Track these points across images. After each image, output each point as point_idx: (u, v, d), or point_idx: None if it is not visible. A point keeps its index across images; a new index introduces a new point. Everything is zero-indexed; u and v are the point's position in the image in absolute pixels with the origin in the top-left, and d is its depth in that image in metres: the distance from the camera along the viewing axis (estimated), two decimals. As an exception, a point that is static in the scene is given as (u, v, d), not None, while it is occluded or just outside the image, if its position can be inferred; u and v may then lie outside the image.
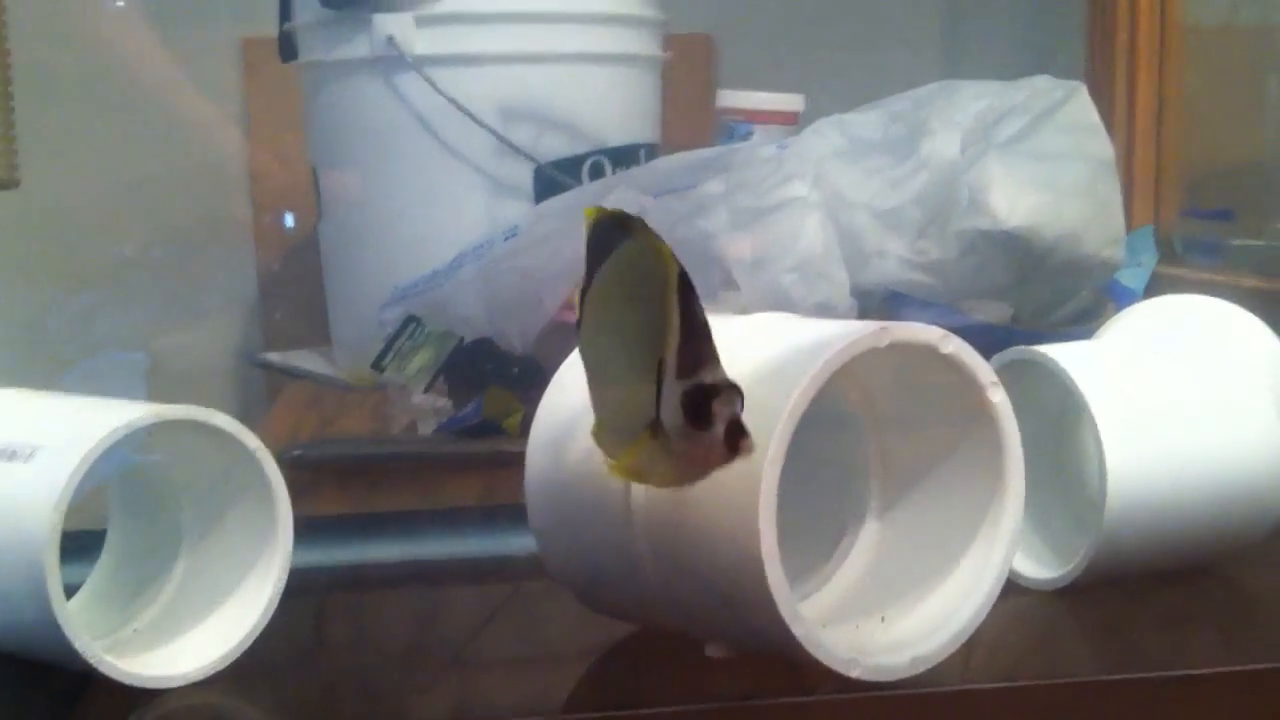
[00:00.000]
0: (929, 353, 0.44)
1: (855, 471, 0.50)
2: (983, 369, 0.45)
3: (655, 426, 0.40)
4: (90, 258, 1.12)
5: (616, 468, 0.42)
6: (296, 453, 0.74)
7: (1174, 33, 1.01)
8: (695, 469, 0.40)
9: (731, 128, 1.02)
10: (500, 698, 0.48)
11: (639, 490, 0.45)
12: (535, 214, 0.89)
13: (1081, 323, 0.79)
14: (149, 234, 1.14)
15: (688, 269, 0.40)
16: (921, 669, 0.44)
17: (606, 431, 0.43)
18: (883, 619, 0.46)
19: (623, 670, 0.48)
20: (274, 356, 1.08)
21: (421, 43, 0.92)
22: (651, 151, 0.99)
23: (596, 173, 0.95)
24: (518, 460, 0.49)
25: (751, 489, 0.41)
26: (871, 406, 0.49)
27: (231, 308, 1.20)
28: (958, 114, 0.80)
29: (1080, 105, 0.80)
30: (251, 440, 0.48)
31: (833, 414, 0.49)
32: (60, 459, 0.45)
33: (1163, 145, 1.01)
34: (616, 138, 0.97)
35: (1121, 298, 0.80)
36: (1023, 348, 0.53)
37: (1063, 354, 0.52)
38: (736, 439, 0.39)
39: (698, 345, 0.39)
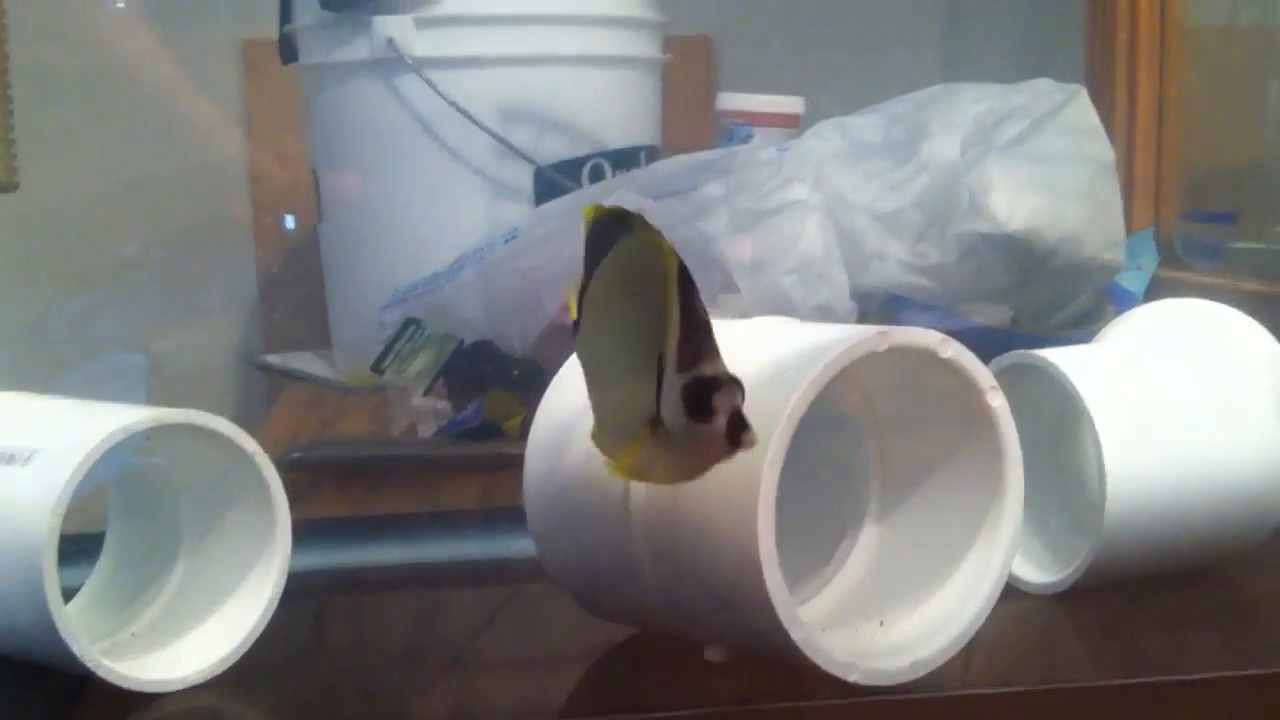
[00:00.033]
0: (928, 357, 0.44)
1: (855, 475, 0.49)
2: (982, 373, 0.45)
3: (655, 423, 0.40)
4: (90, 259, 1.12)
5: (616, 467, 0.42)
6: (296, 455, 0.74)
7: (1174, 34, 1.00)
8: (697, 464, 0.40)
9: (731, 130, 1.02)
10: (499, 700, 0.48)
11: (638, 492, 0.45)
12: (535, 216, 0.89)
13: (1082, 326, 0.79)
14: (149, 235, 1.14)
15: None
16: (921, 673, 0.44)
17: (606, 433, 0.43)
18: (881, 623, 0.46)
19: (621, 673, 0.48)
20: (273, 358, 1.08)
21: (421, 45, 0.92)
22: (652, 154, 0.99)
23: (596, 175, 0.95)
24: (517, 463, 0.49)
25: (750, 491, 0.41)
26: (871, 410, 0.49)
27: (231, 309, 1.20)
28: (958, 117, 0.80)
29: (1080, 108, 0.80)
30: (250, 444, 0.48)
31: (832, 417, 0.49)
32: (58, 462, 0.45)
33: (1163, 147, 1.00)
34: (616, 140, 0.97)
35: (1122, 301, 0.80)
36: (1022, 351, 0.53)
37: (1062, 358, 0.52)
38: (738, 432, 0.39)
39: (698, 339, 0.39)
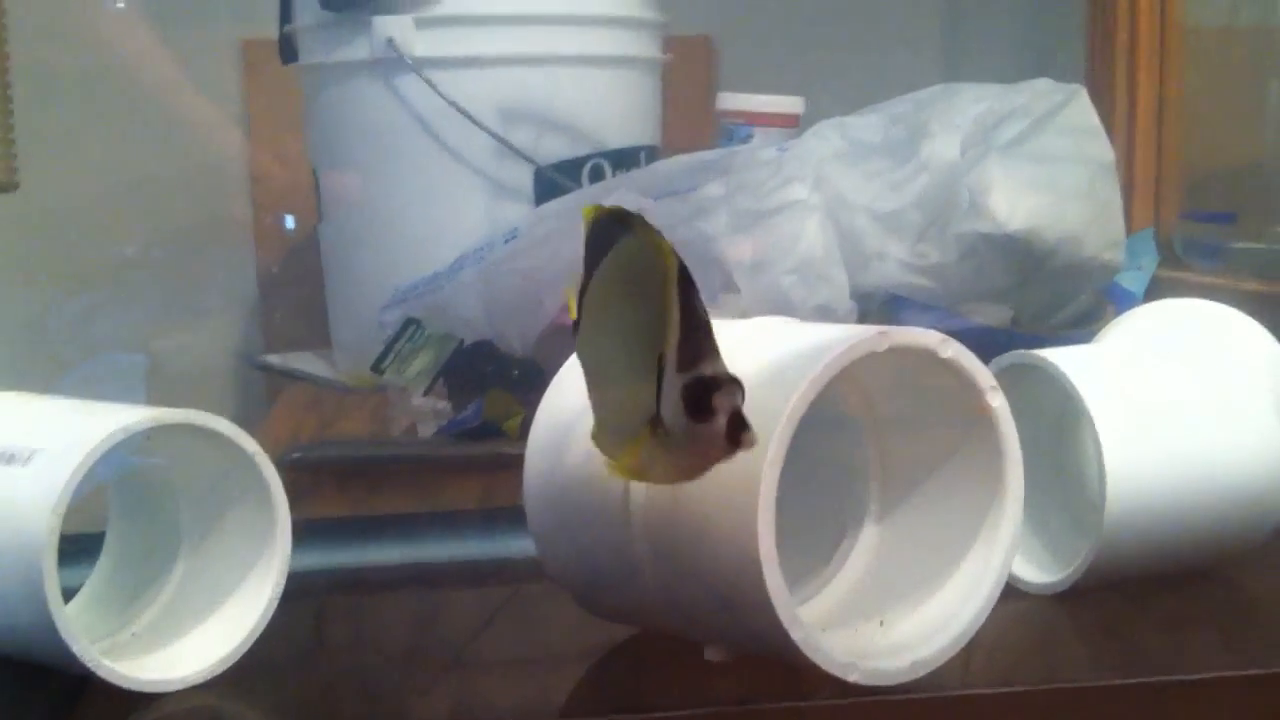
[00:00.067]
0: (928, 357, 0.44)
1: (855, 474, 0.49)
2: (982, 373, 0.45)
3: (655, 422, 0.40)
4: (90, 259, 1.12)
5: (616, 467, 0.42)
6: (296, 455, 0.74)
7: (1174, 34, 1.00)
8: (697, 464, 0.40)
9: (731, 130, 1.02)
10: (499, 701, 0.48)
11: (638, 492, 0.45)
12: (535, 216, 0.89)
13: (1082, 326, 0.79)
14: (149, 235, 1.14)
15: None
16: (921, 673, 0.44)
17: (606, 433, 0.43)
18: (881, 623, 0.46)
19: (622, 673, 0.48)
20: (273, 358, 1.08)
21: (421, 45, 0.92)
22: (652, 154, 0.99)
23: (596, 175, 0.95)
24: (517, 463, 0.49)
25: (751, 492, 0.41)
26: (871, 409, 0.49)
27: (231, 309, 1.20)
28: (958, 117, 0.80)
29: (1080, 108, 0.80)
30: (250, 444, 0.48)
31: (832, 417, 0.48)
32: (58, 463, 0.45)
33: (1163, 147, 1.00)
34: (616, 140, 0.97)
35: (1122, 301, 0.80)
36: (1022, 352, 0.53)
37: (1062, 358, 0.52)
38: (738, 431, 0.39)
39: (698, 338, 0.39)
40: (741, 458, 0.40)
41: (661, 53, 1.01)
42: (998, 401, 0.45)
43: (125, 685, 0.45)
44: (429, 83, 0.92)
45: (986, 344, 0.49)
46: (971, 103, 0.81)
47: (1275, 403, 0.55)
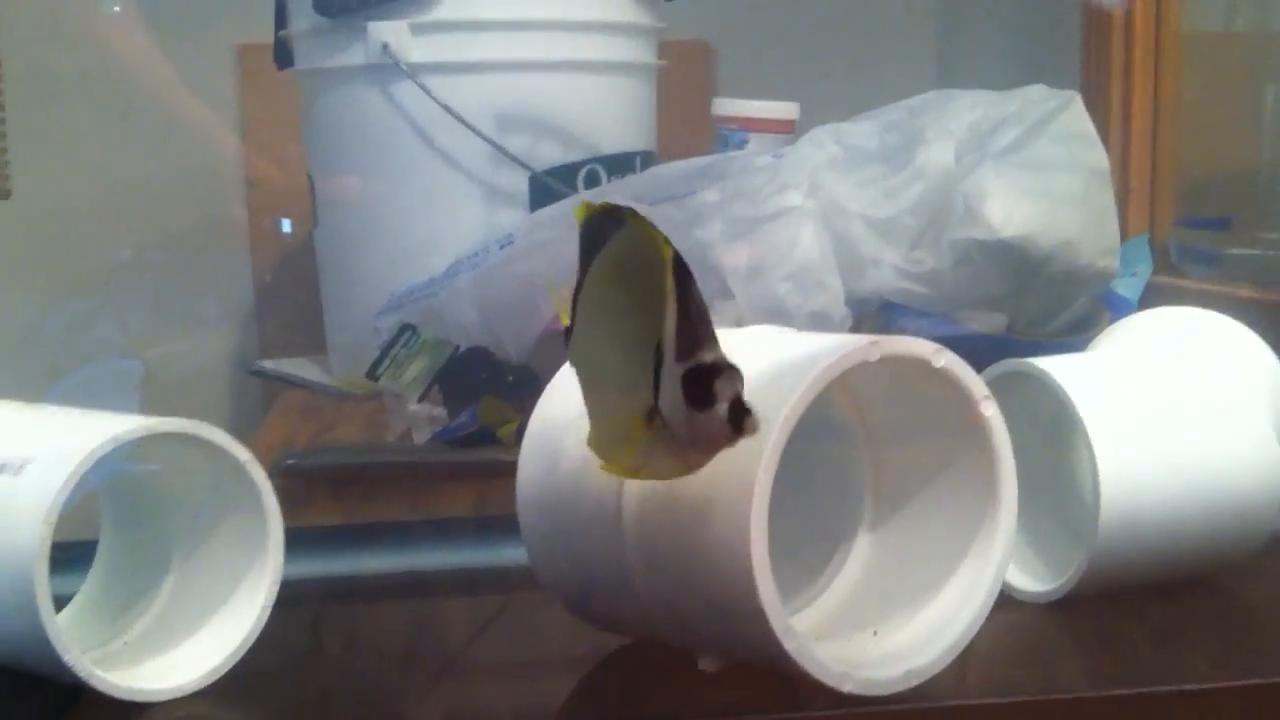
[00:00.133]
0: (921, 366, 0.44)
1: (849, 484, 0.49)
2: (975, 383, 0.45)
3: (653, 415, 0.39)
4: (85, 265, 1.12)
5: (612, 466, 0.41)
6: (290, 462, 0.74)
7: (1169, 40, 1.01)
8: (697, 454, 0.40)
9: (726, 135, 1.02)
10: (492, 710, 0.48)
11: (630, 501, 0.44)
12: (531, 222, 0.89)
13: (1077, 332, 0.79)
14: (144, 240, 1.14)
15: None
16: (915, 683, 0.44)
17: (602, 435, 0.42)
18: (875, 632, 0.46)
19: (615, 683, 0.48)
20: (269, 364, 1.07)
21: (417, 50, 0.92)
22: (647, 159, 0.99)
23: (592, 181, 0.95)
24: (512, 470, 0.49)
25: (744, 500, 0.41)
26: (865, 418, 0.49)
27: (227, 315, 1.19)
28: (953, 123, 0.80)
29: (1075, 115, 0.80)
30: (243, 453, 0.48)
31: (826, 426, 0.48)
32: (50, 472, 0.45)
33: (1158, 153, 1.00)
34: (612, 145, 0.97)
35: (1117, 307, 0.80)
36: (1016, 360, 0.53)
37: (1056, 366, 0.52)
38: (740, 417, 0.38)
39: (696, 327, 0.39)
40: (736, 466, 0.40)
41: (657, 58, 1.01)
42: (991, 411, 0.45)
43: (117, 695, 0.45)
44: (424, 88, 0.92)
45: (981, 351, 0.49)
46: (966, 109, 0.81)
47: (1269, 410, 0.55)
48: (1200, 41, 1.03)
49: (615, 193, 0.86)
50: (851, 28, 1.21)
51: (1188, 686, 0.46)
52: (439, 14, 0.93)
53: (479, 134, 0.92)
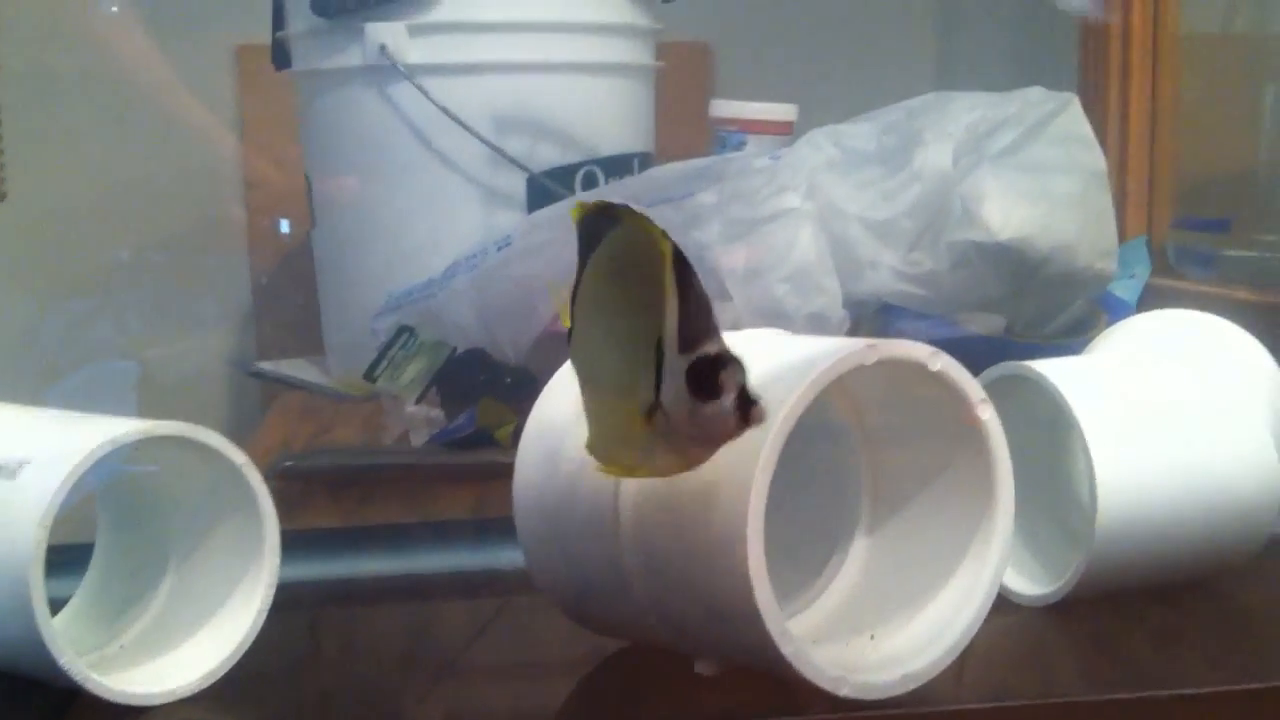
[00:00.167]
0: (918, 369, 0.44)
1: (846, 486, 0.49)
2: (972, 386, 0.45)
3: (653, 410, 0.39)
4: (83, 266, 1.12)
5: (611, 467, 0.41)
6: (288, 464, 0.74)
7: (1167, 42, 1.00)
8: (701, 448, 0.40)
9: (724, 137, 1.02)
10: (490, 713, 0.48)
11: (627, 503, 0.44)
12: (528, 223, 0.89)
13: (1075, 334, 0.79)
14: (143, 241, 1.14)
15: None
16: (911, 686, 0.44)
17: (601, 437, 0.42)
18: (872, 636, 0.46)
19: (612, 686, 0.48)
20: (267, 366, 1.07)
21: (414, 52, 0.92)
22: (645, 161, 0.99)
23: (590, 182, 0.95)
24: (510, 472, 0.49)
25: (740, 503, 0.41)
26: (862, 421, 0.49)
27: (225, 316, 1.19)
28: (950, 125, 0.80)
29: (1073, 117, 0.80)
30: (239, 456, 0.48)
31: (823, 429, 0.48)
32: (46, 475, 0.45)
33: (1156, 155, 1.00)
34: (610, 147, 0.96)
35: (1115, 309, 0.80)
36: (1013, 363, 0.53)
37: (1053, 369, 0.52)
38: (748, 407, 0.38)
39: (699, 319, 0.39)
40: (733, 468, 0.40)
41: (655, 60, 1.01)
42: (988, 414, 0.45)
43: (113, 699, 0.45)
44: (422, 90, 0.92)
45: (979, 353, 0.49)
46: (964, 111, 0.81)
47: (1267, 413, 0.55)
48: (1198, 43, 1.03)
49: (613, 194, 0.86)
50: (850, 29, 1.21)
51: (1186, 690, 0.46)
52: (437, 15, 0.92)
53: (477, 135, 0.92)
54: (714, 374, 0.38)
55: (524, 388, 0.79)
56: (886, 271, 0.78)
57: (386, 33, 0.92)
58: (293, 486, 0.72)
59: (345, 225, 0.99)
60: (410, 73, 0.92)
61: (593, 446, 0.43)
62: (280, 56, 1.01)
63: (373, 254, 0.97)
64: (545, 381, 0.50)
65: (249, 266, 1.20)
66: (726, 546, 0.41)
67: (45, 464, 0.45)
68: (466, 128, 0.92)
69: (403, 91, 0.93)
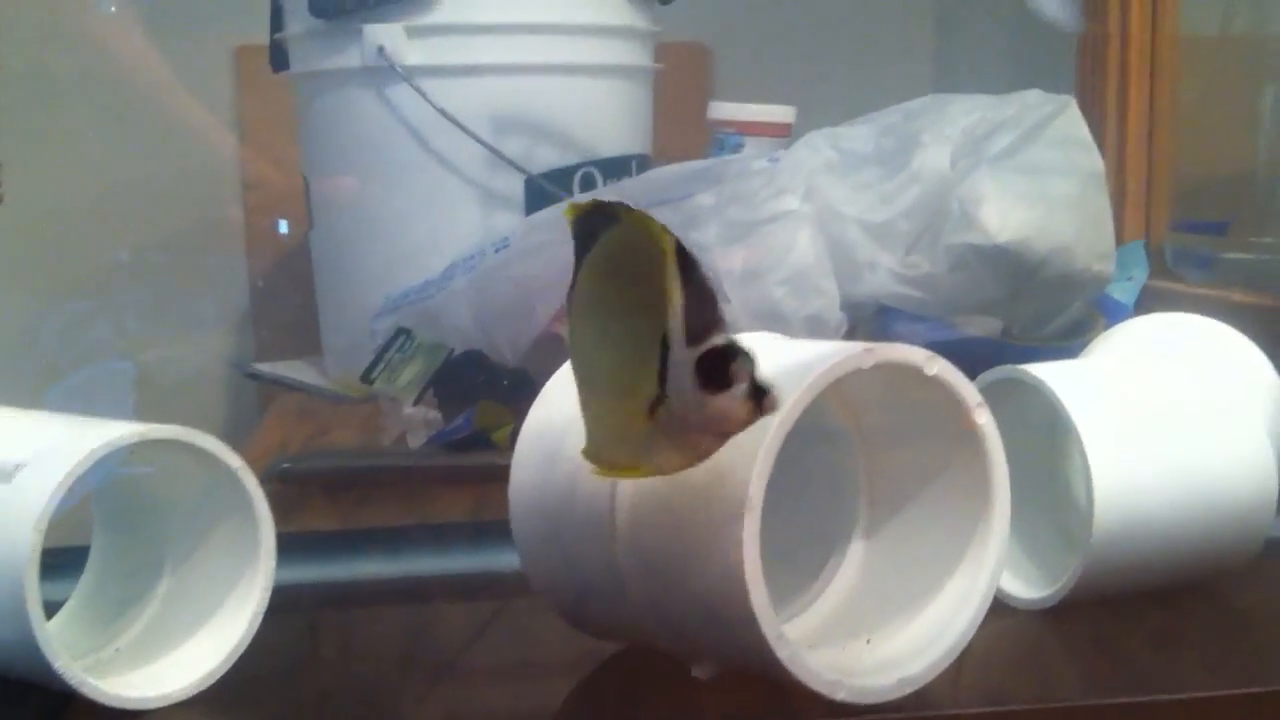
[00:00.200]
0: (914, 373, 0.44)
1: (843, 490, 0.49)
2: (968, 390, 0.45)
3: (657, 405, 0.39)
4: (82, 266, 1.11)
5: (610, 469, 0.41)
6: (284, 466, 0.74)
7: (1166, 44, 1.00)
8: (709, 441, 0.39)
9: (723, 139, 1.02)
10: (486, 717, 0.48)
11: (624, 505, 0.44)
12: (526, 225, 0.89)
13: (1073, 337, 0.78)
14: (141, 242, 1.14)
15: None
16: (908, 690, 0.44)
17: (599, 442, 0.42)
18: (869, 640, 0.46)
19: (608, 690, 0.48)
20: (264, 367, 1.07)
21: (413, 53, 0.92)
22: (643, 162, 0.99)
23: (587, 184, 0.95)
24: (507, 474, 0.49)
25: (737, 507, 0.41)
26: (859, 424, 0.49)
27: (223, 317, 1.19)
28: (948, 128, 0.80)
29: (1071, 119, 0.80)
30: (234, 460, 0.48)
31: (820, 432, 0.48)
32: (42, 478, 0.45)
33: (1154, 158, 1.00)
34: (608, 149, 0.96)
35: (1113, 312, 0.80)
36: (1010, 367, 0.53)
37: (1050, 373, 0.52)
38: (761, 395, 0.38)
39: (706, 311, 0.39)
40: (730, 472, 0.40)
41: (654, 61, 1.01)
42: (984, 418, 0.45)
43: (108, 703, 0.45)
44: (420, 91, 0.92)
45: (977, 355, 0.49)
46: (962, 114, 0.81)
47: (1264, 416, 0.55)
48: (1196, 46, 1.03)
49: (610, 196, 0.85)
50: (848, 31, 1.21)
51: (1184, 694, 0.46)
52: (435, 17, 0.92)
53: (475, 137, 0.92)
54: (724, 364, 0.38)
55: (522, 389, 0.79)
56: (884, 274, 0.78)
57: (385, 34, 0.92)
58: (290, 488, 0.72)
59: (343, 226, 0.99)
60: (408, 74, 0.92)
61: (589, 452, 0.42)
62: (279, 58, 1.00)
63: (371, 255, 0.97)
64: (543, 383, 0.50)
65: (247, 267, 1.20)
66: (723, 550, 0.41)
67: (41, 468, 0.45)
68: (464, 129, 0.92)
69: (401, 93, 0.93)
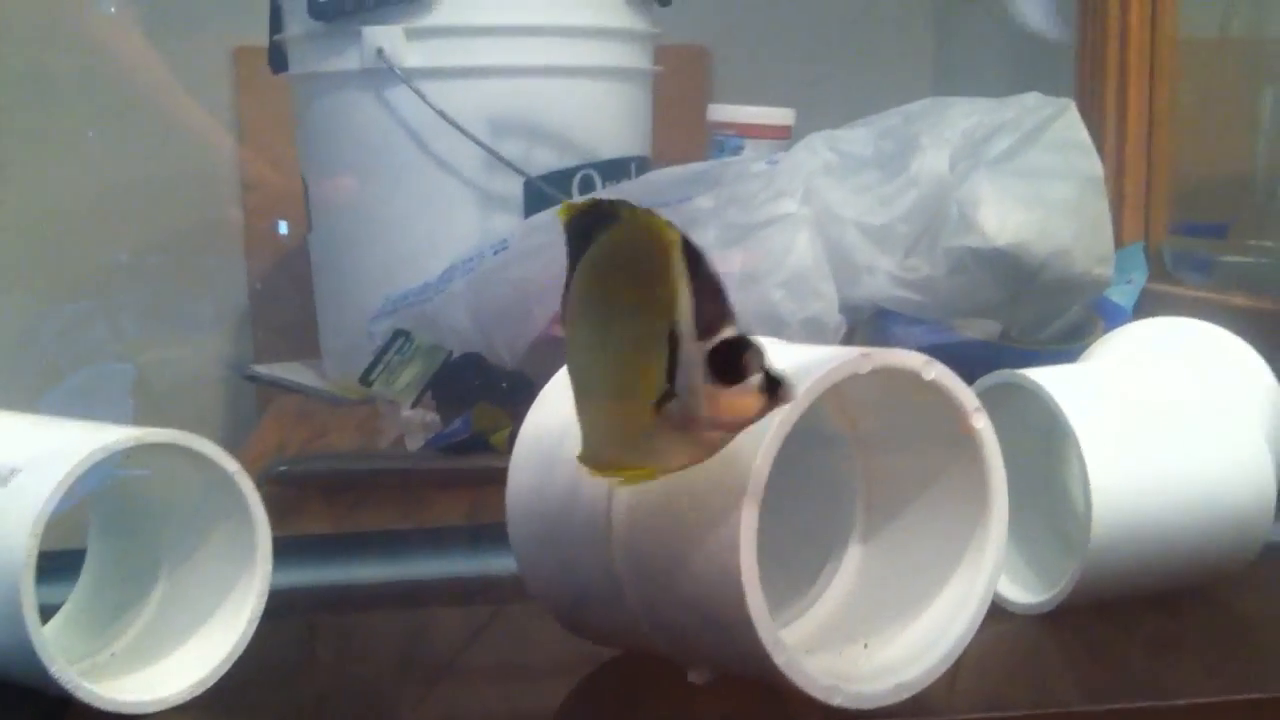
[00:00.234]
0: (912, 378, 0.44)
1: (840, 494, 0.49)
2: (966, 395, 0.45)
3: (663, 401, 0.39)
4: (80, 268, 1.11)
5: (608, 471, 0.41)
6: (282, 468, 0.73)
7: (1165, 47, 1.00)
8: (719, 434, 0.39)
9: (722, 141, 1.02)
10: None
11: (620, 509, 0.44)
12: (525, 227, 0.89)
13: (1072, 340, 0.78)
14: (140, 243, 1.14)
15: None
16: (905, 696, 0.44)
17: (595, 446, 0.42)
18: (865, 645, 0.46)
19: (604, 695, 0.48)
20: (263, 369, 1.07)
21: (411, 55, 0.92)
22: (642, 165, 0.99)
23: (586, 186, 0.95)
24: (505, 477, 0.49)
25: (734, 511, 0.41)
26: (856, 429, 0.49)
27: (221, 319, 1.19)
28: (948, 131, 0.80)
29: (1070, 123, 0.80)
30: (231, 464, 0.47)
31: (818, 436, 0.48)
32: (37, 482, 0.45)
33: (1153, 161, 1.00)
34: (607, 151, 0.96)
35: (1111, 315, 0.80)
36: (1008, 371, 0.52)
37: (1048, 377, 0.52)
38: (775, 386, 0.38)
39: (716, 304, 0.39)
40: (727, 476, 0.40)
41: (653, 64, 1.01)
42: (982, 423, 0.45)
43: (105, 707, 0.45)
44: (419, 93, 0.91)
45: (975, 358, 0.49)
46: (961, 117, 0.81)
47: (1263, 420, 0.55)
48: (1195, 48, 1.03)
49: (609, 197, 0.85)
50: (848, 34, 1.21)
51: (1182, 699, 0.46)
52: (434, 19, 0.92)
53: (473, 139, 0.92)
54: (737, 357, 0.38)
55: (520, 392, 0.79)
56: (883, 277, 0.78)
57: (384, 36, 0.92)
58: (287, 490, 0.72)
59: (342, 228, 0.99)
60: (407, 76, 0.92)
61: (585, 455, 0.42)
62: (277, 59, 1.00)
63: (369, 257, 0.97)
64: (541, 386, 0.50)
65: (245, 269, 1.20)
66: (719, 554, 0.41)
67: (36, 472, 0.45)
68: (463, 131, 0.92)
69: (400, 95, 0.93)
